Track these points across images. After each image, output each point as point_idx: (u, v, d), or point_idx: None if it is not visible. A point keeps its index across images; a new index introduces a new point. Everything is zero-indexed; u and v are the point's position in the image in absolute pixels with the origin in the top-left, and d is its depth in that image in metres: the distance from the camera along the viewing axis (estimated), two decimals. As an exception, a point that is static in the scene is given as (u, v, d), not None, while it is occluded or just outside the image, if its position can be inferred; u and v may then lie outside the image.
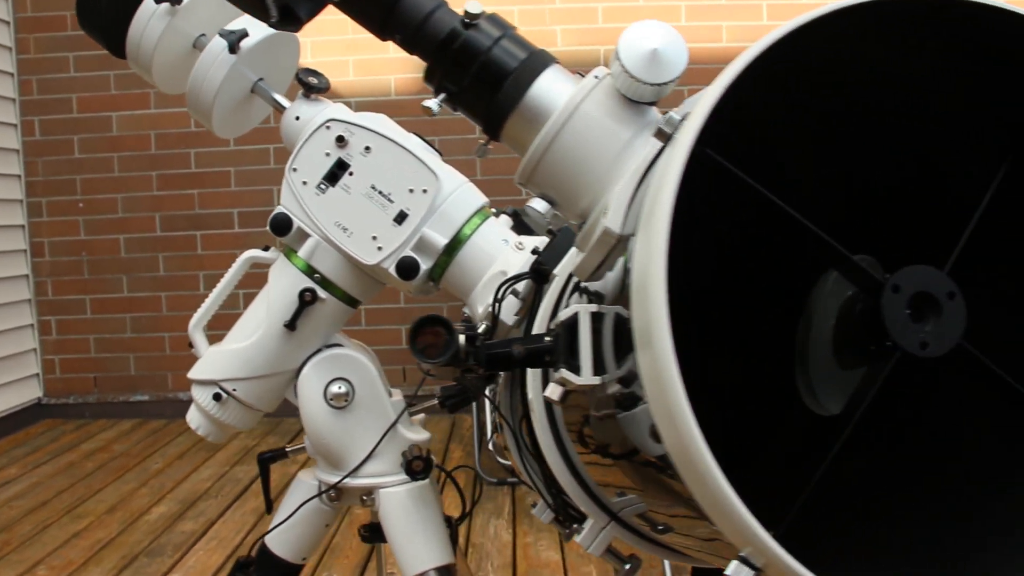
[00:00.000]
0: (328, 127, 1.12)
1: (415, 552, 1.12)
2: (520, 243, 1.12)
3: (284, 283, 1.14)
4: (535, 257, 0.94)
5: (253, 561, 1.22)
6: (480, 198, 1.14)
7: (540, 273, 0.85)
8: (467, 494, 1.31)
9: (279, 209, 1.13)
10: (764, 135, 0.62)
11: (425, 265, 1.10)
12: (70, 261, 4.53)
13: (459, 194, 1.11)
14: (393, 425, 1.14)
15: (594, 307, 0.57)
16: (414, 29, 0.70)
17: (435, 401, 1.18)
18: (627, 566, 0.87)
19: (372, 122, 1.12)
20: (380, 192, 1.11)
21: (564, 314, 0.59)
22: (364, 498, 1.16)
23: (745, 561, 0.48)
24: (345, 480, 1.14)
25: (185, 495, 3.38)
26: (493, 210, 1.19)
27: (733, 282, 0.64)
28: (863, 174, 0.68)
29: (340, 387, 1.13)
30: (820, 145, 0.66)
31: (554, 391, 0.61)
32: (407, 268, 1.09)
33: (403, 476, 1.12)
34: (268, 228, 1.13)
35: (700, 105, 0.50)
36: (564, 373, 0.59)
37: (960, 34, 0.59)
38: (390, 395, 1.17)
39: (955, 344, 0.56)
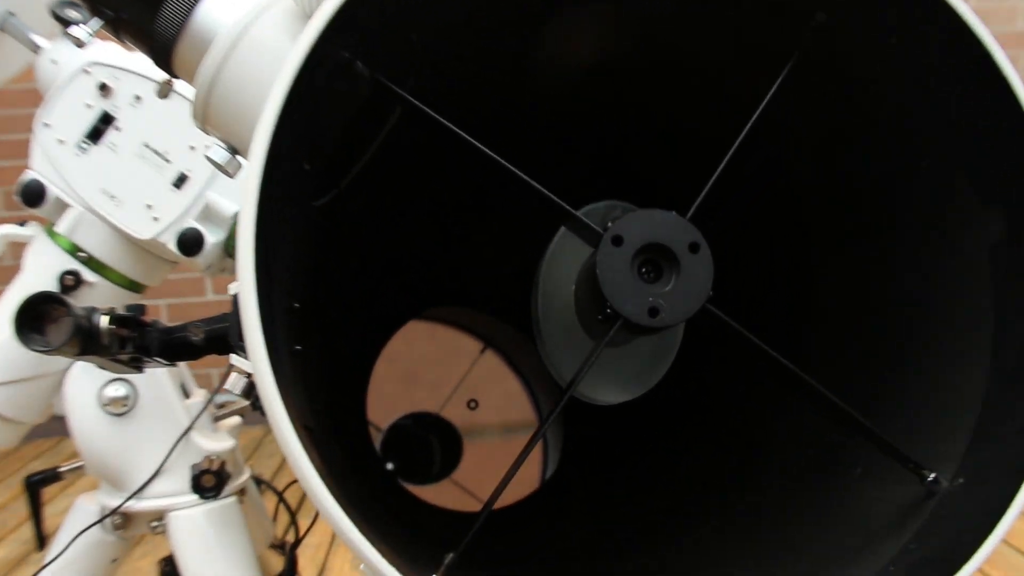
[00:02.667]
0: (88, 72, 1.09)
1: (214, 586, 1.10)
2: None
3: (42, 265, 1.11)
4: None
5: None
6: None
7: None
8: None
9: (29, 175, 1.10)
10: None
11: (214, 238, 1.07)
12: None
13: (252, 150, 1.08)
14: (186, 433, 1.11)
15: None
16: None
17: (246, 403, 1.16)
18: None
19: (144, 66, 1.09)
20: (154, 151, 1.08)
21: (233, 287, 0.57)
22: (154, 524, 1.13)
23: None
24: (128, 503, 1.11)
25: (31, 536, 3.31)
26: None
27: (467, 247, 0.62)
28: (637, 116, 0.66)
29: (119, 389, 1.10)
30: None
31: (235, 383, 0.59)
32: (190, 242, 1.06)
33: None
34: (17, 197, 1.10)
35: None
36: (234, 359, 0.57)
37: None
38: (187, 396, 1.14)
39: (698, 308, 0.54)
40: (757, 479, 0.66)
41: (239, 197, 1.07)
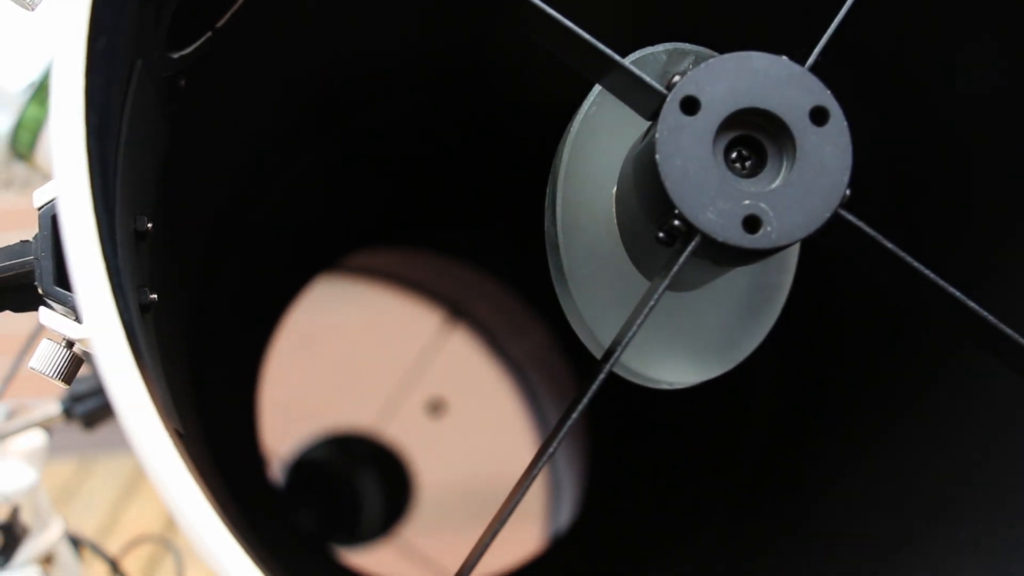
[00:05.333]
0: None
1: None
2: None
3: None
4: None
5: None
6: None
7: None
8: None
9: None
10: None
11: None
12: None
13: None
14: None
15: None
16: None
17: (56, 409, 1.06)
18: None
19: None
20: None
21: (39, 197, 0.49)
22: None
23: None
24: None
25: None
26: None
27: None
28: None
29: None
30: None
31: (48, 359, 0.51)
32: None
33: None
34: None
35: None
36: (50, 316, 0.49)
37: None
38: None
39: (827, 217, 0.46)
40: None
41: (32, 55, 0.96)
